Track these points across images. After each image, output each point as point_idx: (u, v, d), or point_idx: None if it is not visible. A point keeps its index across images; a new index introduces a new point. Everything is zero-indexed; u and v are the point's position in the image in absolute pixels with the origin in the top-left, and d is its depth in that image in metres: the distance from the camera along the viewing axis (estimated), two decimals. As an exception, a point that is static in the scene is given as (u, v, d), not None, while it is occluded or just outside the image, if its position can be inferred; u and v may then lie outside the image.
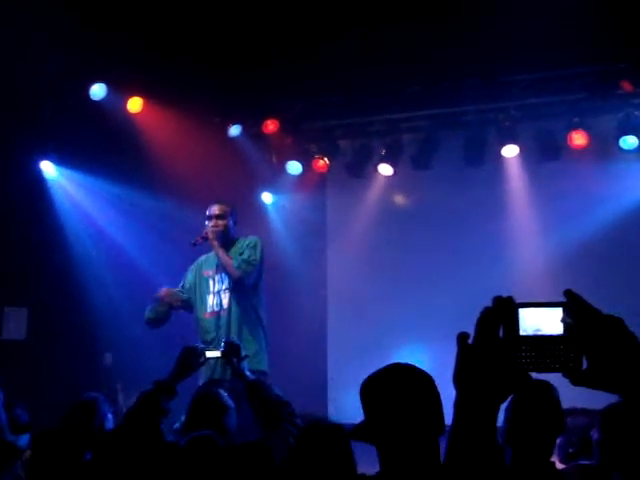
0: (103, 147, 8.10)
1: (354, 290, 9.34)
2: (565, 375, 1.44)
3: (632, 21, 7.07)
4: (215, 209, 6.26)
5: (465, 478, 1.41)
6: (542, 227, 8.68)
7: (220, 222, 6.20)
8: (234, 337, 5.25)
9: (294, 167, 8.90)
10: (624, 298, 8.03)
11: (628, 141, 7.89)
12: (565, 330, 1.46)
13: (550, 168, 8.43)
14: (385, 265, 9.23)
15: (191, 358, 4.29)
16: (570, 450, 4.32)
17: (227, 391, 4.19)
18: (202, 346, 4.50)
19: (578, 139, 8.01)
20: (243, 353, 4.51)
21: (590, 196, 8.35)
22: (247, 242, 6.24)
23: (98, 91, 8.03)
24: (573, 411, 4.45)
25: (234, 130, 8.55)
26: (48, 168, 8.29)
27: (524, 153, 8.34)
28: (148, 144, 8.21)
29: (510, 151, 8.26)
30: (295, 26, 7.38)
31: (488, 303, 1.48)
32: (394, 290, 9.07)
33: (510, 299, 1.47)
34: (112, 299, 8.29)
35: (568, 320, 1.46)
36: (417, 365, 2.46)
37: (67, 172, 8.37)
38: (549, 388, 3.13)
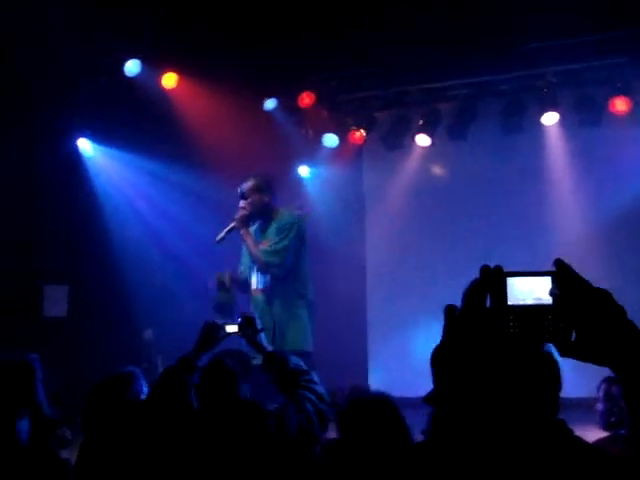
0: (138, 123, 8.25)
1: (393, 263, 9.42)
2: (554, 345, 1.48)
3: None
4: (242, 187, 6.08)
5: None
6: (583, 195, 8.70)
7: (250, 201, 6.01)
8: (248, 312, 5.24)
9: (330, 139, 8.96)
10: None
11: (671, 106, 7.84)
12: (554, 300, 1.46)
13: (591, 135, 8.42)
14: (424, 237, 9.28)
15: (211, 333, 4.41)
16: (612, 419, 4.34)
17: (234, 359, 4.27)
18: (222, 321, 4.58)
19: (620, 105, 7.97)
20: (259, 326, 4.60)
21: (632, 163, 8.34)
22: (282, 223, 6.08)
23: (132, 67, 8.12)
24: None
25: (269, 104, 8.63)
26: (85, 145, 8.45)
27: (564, 120, 8.34)
28: (183, 119, 8.33)
29: (550, 118, 8.26)
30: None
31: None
32: (433, 263, 9.14)
33: (498, 268, 1.48)
34: (152, 275, 8.43)
35: (556, 290, 1.46)
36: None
37: (104, 149, 8.54)
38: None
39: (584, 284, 1.45)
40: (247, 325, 4.52)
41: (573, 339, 1.44)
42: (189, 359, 4.17)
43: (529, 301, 1.47)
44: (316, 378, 4.19)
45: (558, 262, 1.46)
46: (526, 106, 8.40)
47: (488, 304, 1.49)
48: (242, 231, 5.97)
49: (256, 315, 5.18)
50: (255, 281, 6.12)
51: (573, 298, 1.43)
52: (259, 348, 4.44)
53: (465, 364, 1.50)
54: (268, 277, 6.04)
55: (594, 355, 1.43)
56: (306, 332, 6.12)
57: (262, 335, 4.49)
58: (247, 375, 4.18)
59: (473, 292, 1.48)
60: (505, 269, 1.50)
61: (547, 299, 1.46)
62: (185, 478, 3.46)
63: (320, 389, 4.09)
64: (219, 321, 4.49)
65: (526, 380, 2.81)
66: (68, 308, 8.49)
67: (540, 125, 8.41)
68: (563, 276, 1.45)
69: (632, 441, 1.47)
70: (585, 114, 8.25)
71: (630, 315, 1.44)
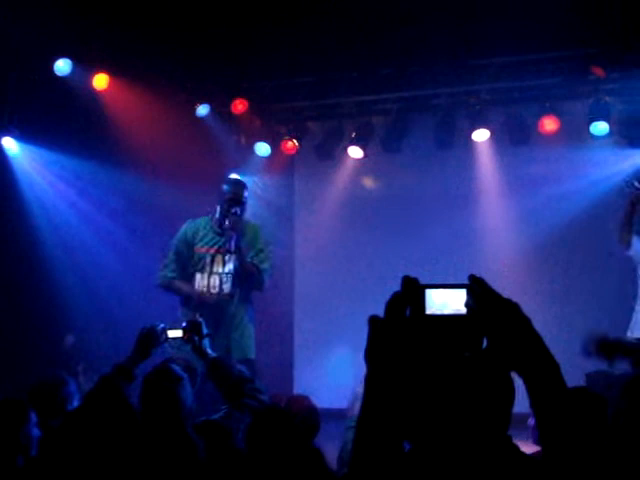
0: (68, 124, 8.19)
1: (320, 274, 9.52)
2: (466, 353, 1.63)
3: (604, 5, 7.27)
4: (240, 191, 6.11)
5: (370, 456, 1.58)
6: (513, 212, 8.93)
7: (243, 207, 6.12)
8: (195, 315, 5.22)
9: (262, 148, 9.04)
10: (595, 283, 8.33)
11: (598, 127, 8.08)
12: (468, 311, 1.60)
13: (521, 153, 8.68)
14: (353, 250, 9.42)
15: (150, 339, 4.30)
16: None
17: (181, 366, 4.18)
18: (163, 325, 4.49)
19: (549, 124, 8.21)
20: (205, 331, 4.54)
21: (561, 182, 8.61)
22: (259, 237, 6.20)
23: (63, 67, 8.07)
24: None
25: (202, 110, 8.65)
26: (10, 144, 8.37)
27: (495, 137, 8.57)
28: (114, 122, 8.31)
29: (480, 135, 8.48)
30: (267, 5, 7.51)
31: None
32: (362, 275, 9.26)
33: (415, 280, 1.63)
34: (79, 278, 8.38)
35: (470, 302, 1.61)
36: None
37: (30, 148, 8.47)
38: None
39: (495, 296, 1.59)
40: (193, 330, 4.46)
41: (484, 347, 1.59)
42: (126, 367, 4.09)
43: (446, 311, 1.60)
44: (260, 386, 4.20)
45: (472, 276, 1.61)
46: (457, 122, 8.61)
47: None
48: (232, 243, 6.02)
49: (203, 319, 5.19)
50: (212, 285, 6.16)
51: (485, 308, 1.57)
52: (203, 354, 4.40)
53: (388, 371, 1.61)
54: (230, 283, 6.12)
55: (502, 361, 1.58)
56: (253, 339, 6.26)
57: (206, 341, 4.45)
58: (194, 384, 4.15)
59: (394, 302, 1.61)
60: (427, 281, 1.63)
61: (463, 310, 1.60)
62: None
63: (265, 398, 4.10)
64: (160, 326, 4.40)
65: (483, 396, 2.92)
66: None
67: (471, 141, 8.62)
68: (476, 288, 1.60)
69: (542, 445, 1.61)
70: (515, 132, 8.49)
71: (543, 330, 1.61)
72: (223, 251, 6.13)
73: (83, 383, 7.26)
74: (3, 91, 8.18)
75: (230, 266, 6.13)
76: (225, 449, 3.63)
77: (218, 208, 6.23)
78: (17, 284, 8.30)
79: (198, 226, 6.25)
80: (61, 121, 8.19)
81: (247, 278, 6.11)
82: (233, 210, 6.02)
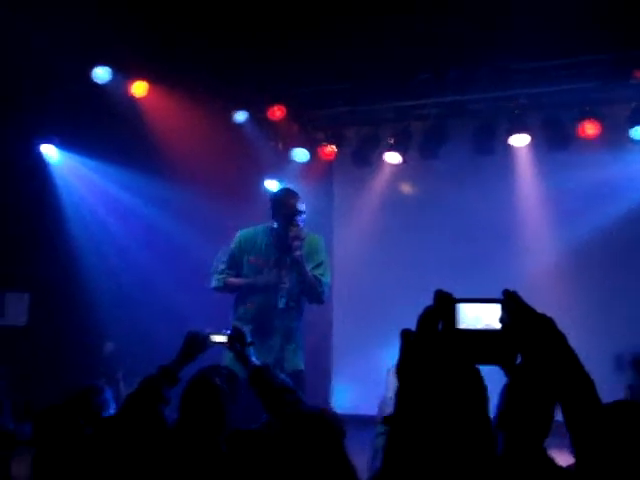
0: (107, 131, 8.28)
1: (360, 281, 9.49)
2: (501, 368, 1.65)
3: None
4: (301, 204, 5.93)
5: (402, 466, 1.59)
6: (552, 217, 8.84)
7: (303, 220, 5.95)
8: (238, 323, 5.17)
9: (300, 154, 9.06)
10: (635, 289, 8.21)
11: None
12: (503, 326, 1.60)
13: (560, 158, 8.58)
14: (392, 255, 9.38)
15: (196, 343, 4.33)
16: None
17: (223, 377, 4.20)
18: (208, 330, 4.51)
19: (589, 129, 8.14)
20: (249, 339, 4.54)
21: (601, 187, 8.50)
22: (320, 250, 6.05)
23: (102, 74, 8.18)
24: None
25: (240, 116, 8.70)
26: (50, 151, 8.48)
27: (534, 142, 8.50)
28: (153, 128, 8.38)
29: (520, 140, 8.42)
30: (303, 11, 7.53)
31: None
32: (401, 281, 9.22)
33: (448, 294, 1.63)
34: (116, 286, 8.45)
35: (504, 317, 1.60)
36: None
37: (70, 155, 8.58)
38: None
39: (530, 311, 1.60)
40: (237, 337, 4.49)
41: (518, 362, 1.59)
42: (171, 369, 4.12)
43: (480, 326, 1.60)
44: (302, 397, 4.19)
45: (506, 291, 1.61)
46: (496, 127, 8.54)
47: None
48: (299, 253, 5.87)
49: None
50: (264, 296, 6.03)
51: (519, 324, 1.58)
52: (246, 362, 4.41)
53: (420, 385, 1.62)
54: (285, 298, 5.97)
55: (537, 377, 1.61)
56: (303, 350, 6.19)
57: (250, 349, 4.47)
58: (235, 394, 4.15)
59: (425, 317, 1.62)
60: (465, 293, 1.62)
61: (497, 325, 1.60)
62: None
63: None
64: (205, 331, 4.43)
65: (521, 410, 2.85)
66: (28, 317, 8.49)
67: (510, 146, 8.56)
68: (511, 304, 1.61)
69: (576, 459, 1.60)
70: (555, 137, 8.41)
71: (593, 343, 1.60)
72: (282, 264, 6.02)
73: (123, 390, 7.32)
74: (43, 98, 8.28)
75: (286, 280, 6.03)
76: (262, 459, 3.62)
77: (276, 221, 6.07)
78: (59, 291, 8.40)
79: (254, 236, 6.13)
80: (100, 128, 8.29)
81: (307, 291, 6.03)
82: (296, 222, 5.90)
